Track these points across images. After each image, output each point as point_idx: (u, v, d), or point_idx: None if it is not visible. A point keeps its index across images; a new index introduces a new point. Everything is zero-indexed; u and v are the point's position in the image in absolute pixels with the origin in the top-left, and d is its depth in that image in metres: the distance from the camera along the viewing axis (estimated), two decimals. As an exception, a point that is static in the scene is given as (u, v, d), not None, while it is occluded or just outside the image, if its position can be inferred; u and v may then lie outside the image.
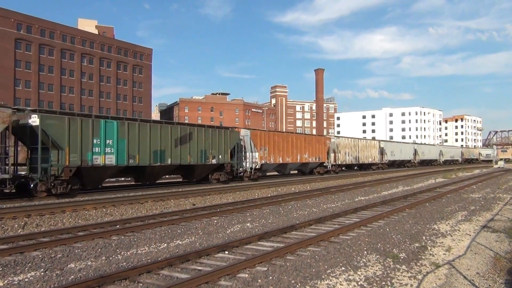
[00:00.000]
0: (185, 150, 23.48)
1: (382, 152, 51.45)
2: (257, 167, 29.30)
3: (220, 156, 25.97)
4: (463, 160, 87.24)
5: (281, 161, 32.32)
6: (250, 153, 28.96)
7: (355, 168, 50.19)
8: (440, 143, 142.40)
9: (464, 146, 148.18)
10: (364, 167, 49.90)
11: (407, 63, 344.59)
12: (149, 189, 21.83)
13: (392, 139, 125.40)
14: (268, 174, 34.78)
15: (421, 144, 74.95)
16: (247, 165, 28.80)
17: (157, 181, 25.10)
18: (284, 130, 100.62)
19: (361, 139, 50.37)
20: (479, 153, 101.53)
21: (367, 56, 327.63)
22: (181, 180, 28.52)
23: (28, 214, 13.23)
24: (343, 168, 46.37)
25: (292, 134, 36.31)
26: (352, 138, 47.36)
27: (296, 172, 39.52)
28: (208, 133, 25.32)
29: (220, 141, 26.09)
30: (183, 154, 23.38)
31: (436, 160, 73.18)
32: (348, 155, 43.34)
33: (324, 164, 38.71)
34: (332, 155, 39.67)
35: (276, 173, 36.41)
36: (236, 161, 27.77)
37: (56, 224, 12.35)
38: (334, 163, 40.13)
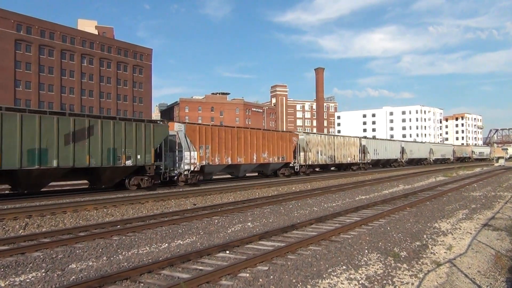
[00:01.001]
0: (81, 149, 18.26)
1: (364, 150, 45.93)
2: (195, 169, 24.67)
3: (139, 156, 20.76)
4: (455, 159, 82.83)
5: (229, 162, 26.87)
6: (188, 153, 24.56)
7: (332, 168, 45.30)
8: (440, 141, 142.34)
9: (465, 144, 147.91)
10: (343, 167, 44.80)
11: (407, 62, 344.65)
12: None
13: (393, 137, 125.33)
14: (216, 177, 30.85)
15: (409, 141, 68.90)
16: (183, 167, 24.26)
17: (43, 189, 20.07)
18: (283, 129, 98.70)
19: (338, 135, 45.03)
20: (472, 151, 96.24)
21: (367, 55, 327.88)
22: (81, 187, 22.78)
23: (29, 214, 13.24)
24: (316, 169, 41.71)
25: (245, 130, 29.29)
26: (326, 134, 42.83)
27: (256, 174, 33.97)
28: (120, 127, 19.99)
29: (139, 137, 20.80)
30: (78, 154, 18.11)
31: (426, 158, 68.71)
32: (322, 154, 37.73)
33: (291, 165, 33.18)
34: (301, 154, 34.59)
35: (229, 176, 31.83)
36: (164, 162, 22.81)
37: (57, 224, 12.35)
38: (304, 164, 34.94)
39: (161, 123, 23.35)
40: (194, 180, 24.80)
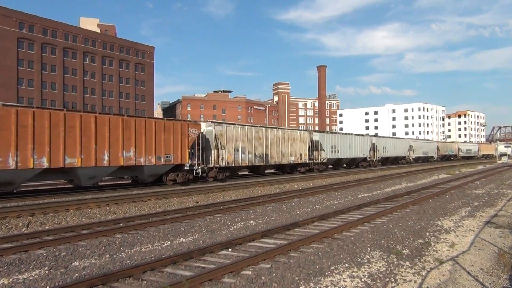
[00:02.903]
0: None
1: (316, 147, 36.70)
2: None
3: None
4: (439, 157, 73.62)
5: (46, 165, 16.99)
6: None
7: (268, 171, 36.22)
8: (443, 139, 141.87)
9: (468, 141, 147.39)
10: (285, 169, 35.11)
11: (410, 60, 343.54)
12: (152, 187, 21.85)
13: (395, 135, 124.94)
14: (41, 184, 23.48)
15: (381, 137, 58.10)
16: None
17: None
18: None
19: (274, 128, 33.62)
20: (459, 148, 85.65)
21: (370, 52, 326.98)
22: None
23: (32, 212, 13.29)
24: (240, 172, 32.12)
25: (87, 115, 18.95)
26: (254, 126, 30.71)
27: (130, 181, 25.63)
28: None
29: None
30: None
31: (405, 157, 59.91)
32: (244, 152, 28.22)
33: (186, 167, 23.49)
34: (213, 152, 25.59)
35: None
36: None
37: (60, 222, 12.39)
38: (217, 165, 25.82)
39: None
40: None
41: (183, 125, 23.70)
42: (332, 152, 39.65)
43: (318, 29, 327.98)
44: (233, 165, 27.34)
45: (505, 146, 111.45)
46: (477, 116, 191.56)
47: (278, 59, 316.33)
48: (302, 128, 42.67)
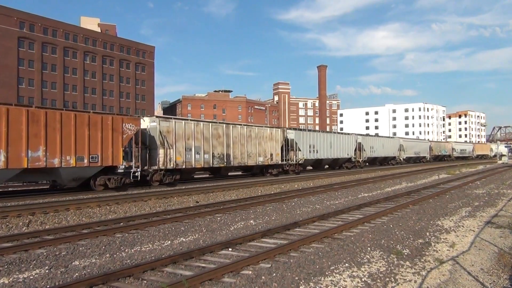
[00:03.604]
0: None
1: (292, 147, 33.51)
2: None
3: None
4: (431, 157, 70.03)
5: None
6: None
7: (236, 173, 32.69)
8: (443, 139, 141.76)
9: (468, 141, 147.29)
10: (253, 170, 31.54)
11: (410, 60, 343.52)
12: (153, 187, 21.86)
13: (395, 135, 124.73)
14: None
15: (368, 136, 52.66)
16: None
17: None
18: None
19: (238, 124, 29.72)
20: (453, 148, 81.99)
21: (370, 52, 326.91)
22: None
23: (32, 212, 13.30)
24: (193, 176, 27.88)
25: None
26: (212, 122, 27.40)
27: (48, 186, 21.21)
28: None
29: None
30: None
31: (395, 157, 56.08)
32: (199, 152, 24.63)
33: (120, 170, 19.97)
34: (160, 152, 22.25)
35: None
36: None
37: (60, 221, 12.40)
38: (162, 167, 22.24)
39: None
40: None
41: (115, 119, 19.78)
42: (310, 152, 36.15)
43: (318, 29, 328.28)
44: (183, 167, 23.54)
45: (506, 147, 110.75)
46: (478, 116, 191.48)
47: (279, 59, 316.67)
48: (276, 125, 39.33)
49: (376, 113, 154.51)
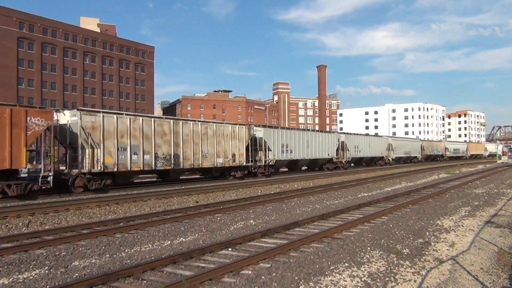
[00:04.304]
0: None
1: (260, 146, 30.30)
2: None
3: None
4: (423, 157, 66.81)
5: None
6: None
7: (193, 177, 29.80)
8: (443, 138, 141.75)
9: (468, 141, 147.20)
10: (212, 173, 27.53)
11: (410, 59, 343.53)
12: (152, 187, 21.85)
13: (395, 135, 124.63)
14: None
15: (352, 134, 47.76)
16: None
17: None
18: (286, 126, 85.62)
19: (190, 120, 25.64)
20: (446, 148, 78.03)
21: (370, 52, 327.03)
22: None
23: (32, 212, 13.29)
24: (132, 180, 23.72)
25: None
26: (154, 117, 23.20)
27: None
28: None
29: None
30: None
31: (383, 157, 52.52)
32: (137, 153, 21.00)
33: (22, 175, 16.78)
34: (85, 151, 19.02)
35: None
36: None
37: (60, 222, 12.40)
38: (86, 171, 18.88)
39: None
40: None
41: (15, 112, 16.07)
42: (283, 152, 32.66)
43: (318, 29, 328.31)
44: (115, 169, 19.77)
45: (505, 146, 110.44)
46: (477, 115, 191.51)
47: (278, 59, 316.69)
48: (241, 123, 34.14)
49: (376, 113, 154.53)
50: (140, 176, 26.42)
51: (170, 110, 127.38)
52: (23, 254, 8.20)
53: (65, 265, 7.46)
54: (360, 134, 50.76)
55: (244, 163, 28.36)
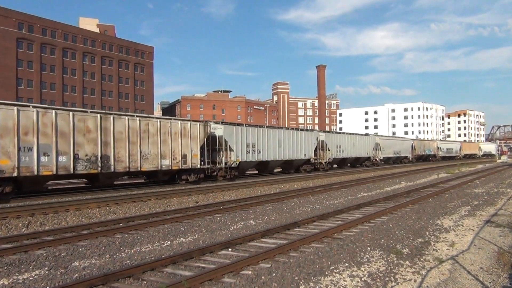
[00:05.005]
0: None
1: (220, 146, 26.70)
2: None
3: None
4: (414, 157, 63.09)
5: None
6: None
7: (140, 181, 25.54)
8: (442, 138, 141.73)
9: (467, 140, 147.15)
10: (159, 177, 23.34)
11: (410, 59, 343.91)
12: (152, 187, 21.83)
13: (395, 135, 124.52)
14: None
15: (334, 133, 44.75)
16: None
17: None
18: (286, 127, 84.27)
19: (122, 115, 21.30)
20: (438, 147, 74.22)
21: (370, 52, 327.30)
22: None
23: (32, 213, 13.28)
24: (46, 187, 20.39)
25: None
26: (75, 111, 19.02)
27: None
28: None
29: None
30: None
31: (369, 158, 48.84)
32: (49, 153, 17.35)
33: None
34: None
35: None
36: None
37: (60, 222, 12.38)
38: None
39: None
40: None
41: None
42: (248, 152, 29.14)
43: (318, 29, 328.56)
44: (15, 174, 16.13)
45: (505, 145, 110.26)
46: (477, 115, 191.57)
47: (278, 59, 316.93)
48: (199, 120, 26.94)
49: (376, 112, 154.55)
50: (65, 182, 22.87)
51: (169, 110, 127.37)
52: (23, 255, 8.19)
53: (65, 265, 7.45)
54: (343, 133, 47.63)
55: (199, 165, 24.51)
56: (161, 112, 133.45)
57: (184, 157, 23.47)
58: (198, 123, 25.19)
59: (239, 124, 30.45)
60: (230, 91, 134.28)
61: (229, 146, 27.46)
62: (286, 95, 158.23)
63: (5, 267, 7.30)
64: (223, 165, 26.68)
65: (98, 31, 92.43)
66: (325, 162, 38.46)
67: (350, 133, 48.45)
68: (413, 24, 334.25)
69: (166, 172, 23.04)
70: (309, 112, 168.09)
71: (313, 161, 36.98)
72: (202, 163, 24.87)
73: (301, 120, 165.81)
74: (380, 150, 51.05)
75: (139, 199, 16.93)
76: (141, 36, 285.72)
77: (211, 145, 25.90)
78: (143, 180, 25.45)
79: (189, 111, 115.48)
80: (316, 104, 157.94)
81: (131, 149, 20.65)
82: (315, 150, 37.34)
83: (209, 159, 25.49)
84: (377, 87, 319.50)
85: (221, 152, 26.81)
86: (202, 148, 24.89)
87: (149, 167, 21.61)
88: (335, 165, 43.73)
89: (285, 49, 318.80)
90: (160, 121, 22.51)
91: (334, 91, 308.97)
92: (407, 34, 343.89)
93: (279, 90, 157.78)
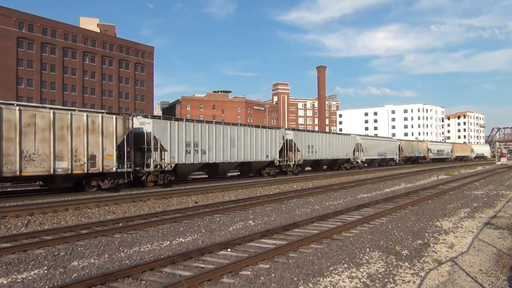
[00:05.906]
0: None
1: (148, 145, 21.93)
2: None
3: None
4: (401, 159, 58.41)
5: None
6: None
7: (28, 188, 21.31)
8: (442, 139, 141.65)
9: (467, 142, 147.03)
10: (58, 183, 18.59)
11: (410, 61, 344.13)
12: (152, 187, 21.83)
13: (394, 136, 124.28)
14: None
15: (304, 131, 39.81)
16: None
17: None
18: (286, 127, 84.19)
19: (14, 104, 16.63)
20: (428, 149, 69.37)
21: (370, 53, 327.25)
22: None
23: (31, 212, 13.27)
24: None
25: None
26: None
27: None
28: None
29: None
30: None
31: (349, 159, 43.97)
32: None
33: None
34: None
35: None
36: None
37: (59, 222, 12.38)
38: None
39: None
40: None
41: None
42: (188, 152, 24.22)
43: (318, 30, 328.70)
44: None
45: (505, 147, 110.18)
46: (477, 117, 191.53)
47: (278, 59, 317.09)
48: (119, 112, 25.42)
49: (376, 114, 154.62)
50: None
51: (169, 110, 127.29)
52: (22, 254, 8.19)
53: (64, 265, 7.45)
54: (316, 131, 43.16)
55: (114, 169, 19.62)
56: (161, 112, 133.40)
57: (92, 158, 18.72)
58: (114, 116, 20.08)
59: (176, 119, 25.00)
60: (230, 92, 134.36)
61: (161, 145, 22.57)
62: (286, 96, 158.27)
63: (4, 266, 7.30)
64: (152, 168, 21.97)
65: (99, 31, 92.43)
66: (293, 165, 33.95)
67: (325, 132, 44.76)
68: (414, 26, 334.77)
69: (66, 177, 18.30)
70: (309, 113, 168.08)
71: (278, 163, 32.22)
72: (120, 165, 19.92)
73: (301, 120, 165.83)
74: (363, 151, 46.26)
75: (139, 199, 16.92)
76: (141, 36, 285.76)
77: (136, 143, 21.33)
78: (38, 187, 20.69)
79: (189, 111, 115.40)
80: (316, 105, 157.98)
81: (6, 148, 15.99)
82: (281, 151, 32.62)
83: (133, 161, 20.82)
84: (377, 88, 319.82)
85: (156, 152, 22.34)
86: (120, 148, 20.11)
87: (35, 171, 16.85)
88: (308, 168, 39.73)
89: (286, 49, 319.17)
90: (54, 112, 17.53)
91: (334, 92, 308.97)
92: (408, 35, 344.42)
93: (279, 90, 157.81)
